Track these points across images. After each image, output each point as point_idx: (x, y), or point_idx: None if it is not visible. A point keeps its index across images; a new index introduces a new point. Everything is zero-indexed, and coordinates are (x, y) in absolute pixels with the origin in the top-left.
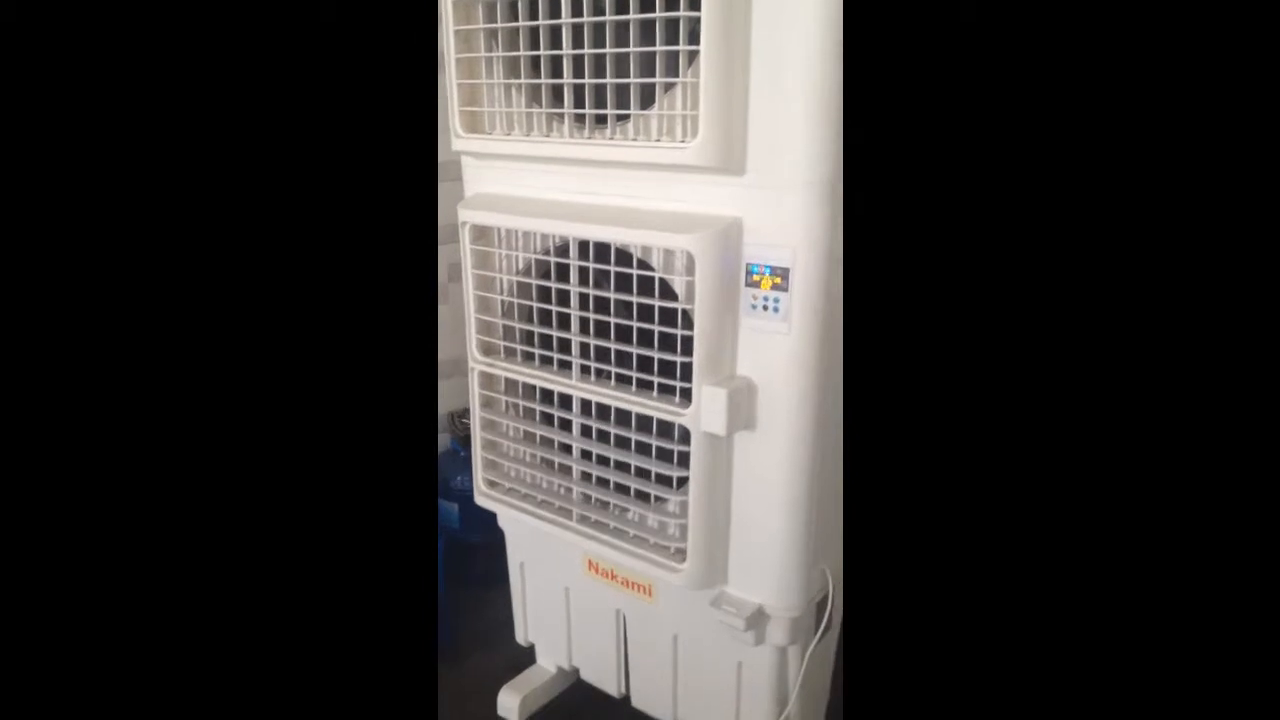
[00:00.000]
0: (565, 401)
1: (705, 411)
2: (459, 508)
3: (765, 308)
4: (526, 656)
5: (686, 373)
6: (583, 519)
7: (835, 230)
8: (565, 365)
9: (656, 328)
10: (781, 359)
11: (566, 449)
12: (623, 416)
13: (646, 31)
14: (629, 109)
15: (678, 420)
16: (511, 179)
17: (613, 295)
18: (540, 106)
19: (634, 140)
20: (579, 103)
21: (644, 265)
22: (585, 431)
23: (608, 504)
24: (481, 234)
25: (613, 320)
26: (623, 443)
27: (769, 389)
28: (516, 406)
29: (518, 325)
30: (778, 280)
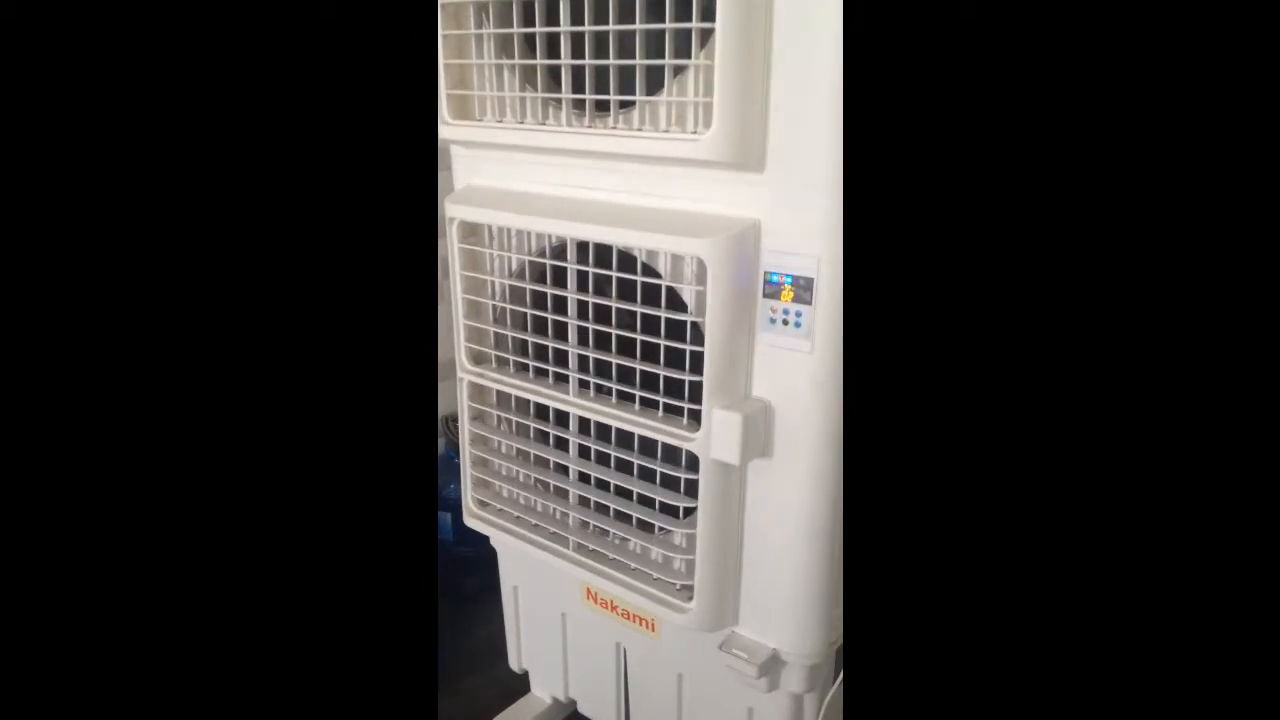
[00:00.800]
0: (562, 418)
1: (716, 438)
2: (451, 517)
3: (785, 322)
4: (520, 682)
5: (696, 393)
6: (580, 547)
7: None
8: (562, 379)
9: (662, 342)
10: (803, 381)
11: (563, 470)
12: (624, 438)
13: (654, 7)
14: (634, 95)
15: (684, 446)
16: (504, 171)
17: (614, 304)
18: (535, 90)
19: (639, 130)
20: (578, 86)
21: (649, 271)
22: (583, 452)
23: (607, 533)
24: (471, 231)
25: (614, 332)
26: (624, 466)
27: (788, 413)
28: (509, 421)
29: (510, 334)
30: (800, 292)
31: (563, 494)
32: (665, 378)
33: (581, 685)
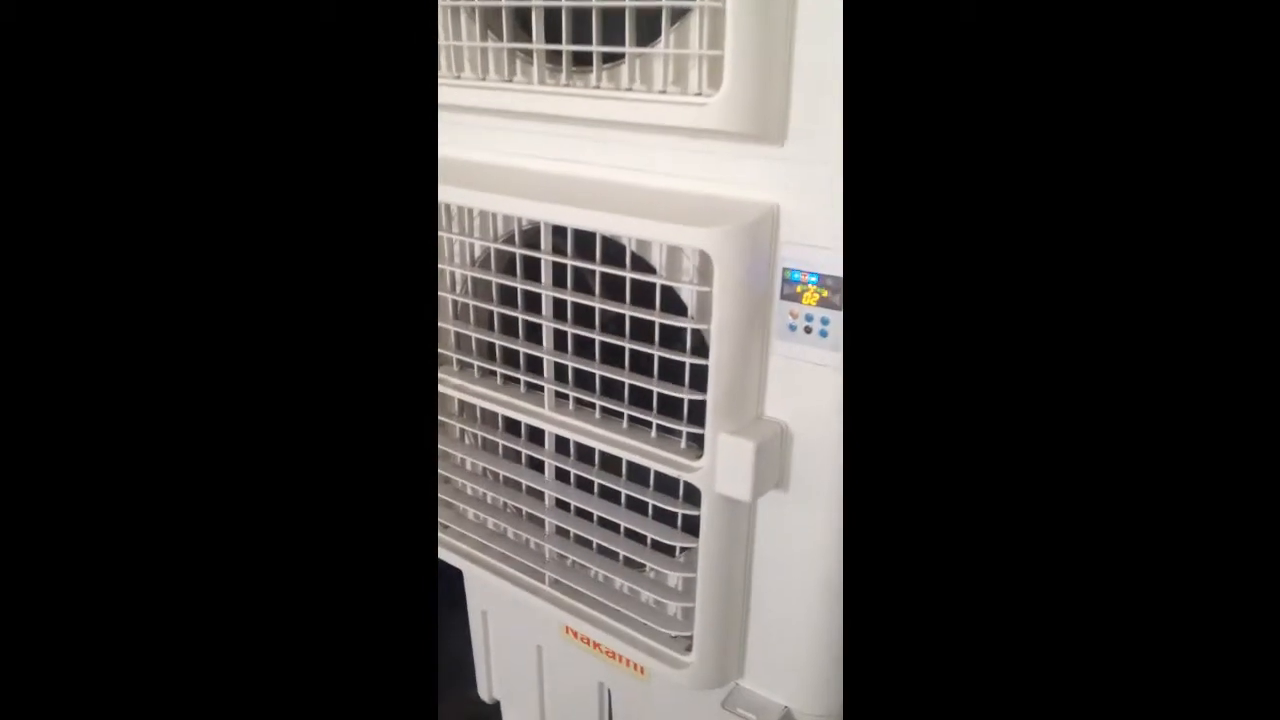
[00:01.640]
0: (536, 435)
1: (723, 468)
2: None
3: (808, 330)
4: (493, 709)
5: (696, 412)
6: (557, 584)
7: None
8: (535, 389)
9: (656, 352)
10: (828, 401)
11: (539, 494)
12: (610, 461)
13: None
14: (622, 46)
15: (683, 476)
16: (467, 138)
17: (597, 304)
18: (500, 39)
19: (628, 91)
20: (552, 35)
21: (640, 265)
22: (561, 475)
23: (590, 570)
24: None
25: (597, 337)
26: (610, 494)
27: (809, 438)
28: (475, 436)
29: (473, 334)
30: (826, 293)
31: (538, 522)
32: (660, 393)
33: None
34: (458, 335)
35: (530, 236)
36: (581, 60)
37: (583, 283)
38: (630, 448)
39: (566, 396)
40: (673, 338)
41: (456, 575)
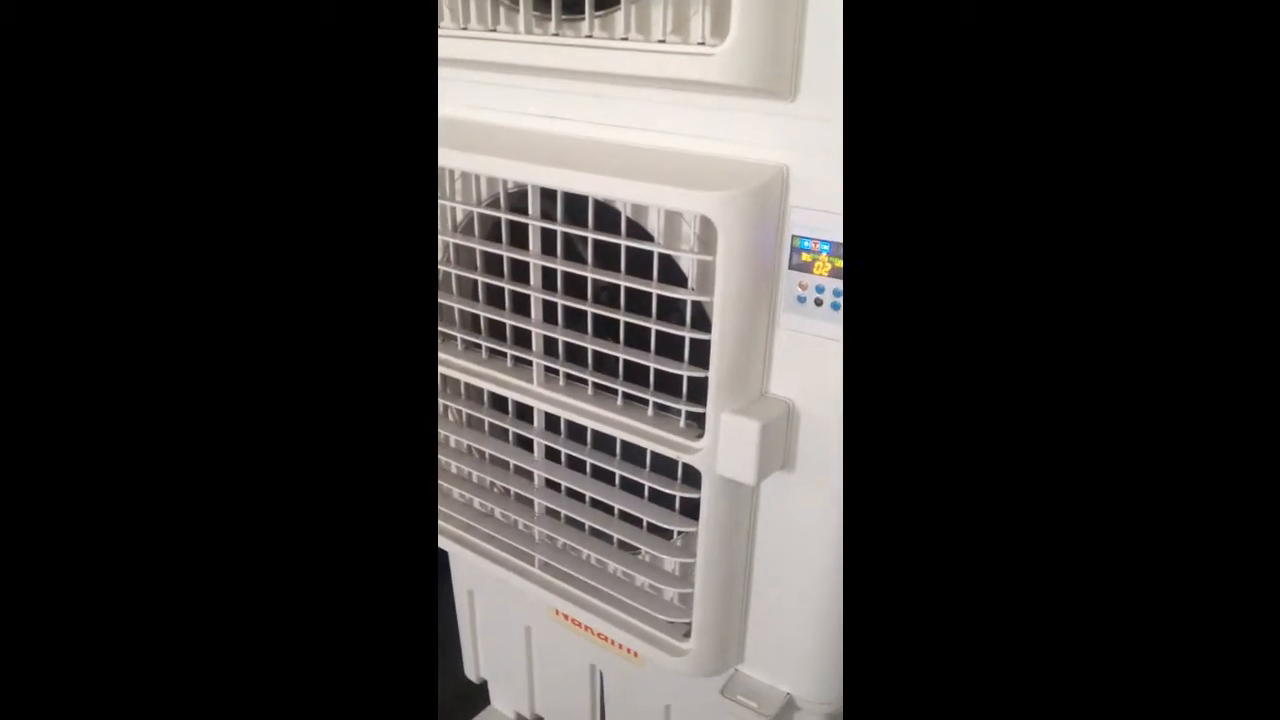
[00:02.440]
0: (525, 412)
1: (725, 449)
2: None
3: (819, 302)
4: (482, 688)
5: (696, 389)
6: (547, 566)
7: None
8: (523, 363)
9: (653, 325)
10: (839, 377)
11: (527, 475)
12: (603, 440)
13: None
14: None
15: (682, 458)
16: (448, 94)
17: (589, 273)
18: None
19: (623, 41)
20: None
21: (636, 231)
22: (552, 454)
23: (581, 553)
24: None
25: (589, 309)
26: (603, 474)
27: (817, 416)
28: (460, 413)
29: (455, 304)
30: (839, 262)
31: (526, 503)
32: (657, 369)
33: (550, 705)
34: (441, 306)
35: (516, 200)
36: (572, 7)
37: (573, 250)
38: (626, 427)
39: (556, 372)
40: (670, 310)
41: (440, 553)
